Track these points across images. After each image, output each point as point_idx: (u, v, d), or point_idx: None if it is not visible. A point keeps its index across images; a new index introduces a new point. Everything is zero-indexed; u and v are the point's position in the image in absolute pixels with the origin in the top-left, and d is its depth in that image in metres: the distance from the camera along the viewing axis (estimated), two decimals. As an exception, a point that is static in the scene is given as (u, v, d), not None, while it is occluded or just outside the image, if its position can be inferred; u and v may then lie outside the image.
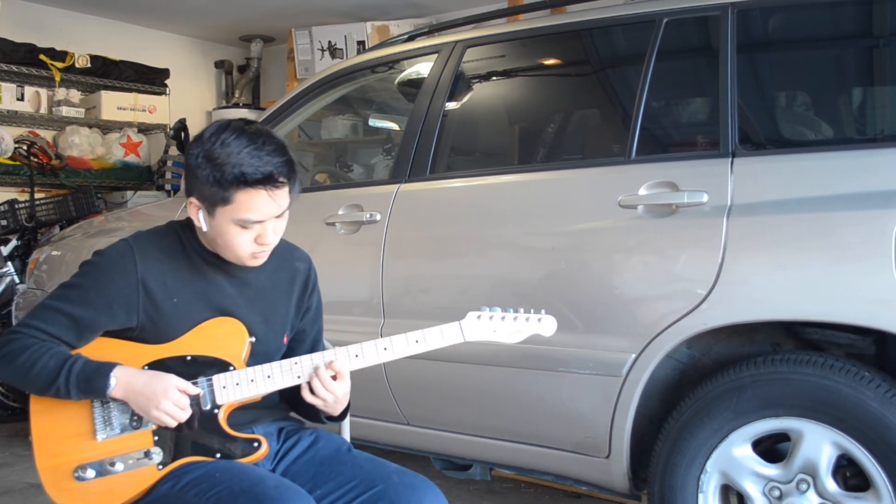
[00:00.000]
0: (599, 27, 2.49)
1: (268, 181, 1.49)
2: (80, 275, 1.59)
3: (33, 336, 1.53)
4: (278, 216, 1.55)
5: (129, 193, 5.57)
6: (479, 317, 1.63)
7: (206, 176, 1.50)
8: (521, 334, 1.65)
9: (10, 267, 4.44)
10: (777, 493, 1.94)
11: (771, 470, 1.95)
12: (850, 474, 1.90)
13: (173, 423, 1.52)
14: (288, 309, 1.73)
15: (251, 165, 1.48)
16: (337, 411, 1.67)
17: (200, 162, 1.51)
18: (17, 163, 5.06)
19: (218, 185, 1.49)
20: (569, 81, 2.90)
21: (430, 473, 2.97)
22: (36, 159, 5.09)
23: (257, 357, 1.62)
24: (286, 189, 1.54)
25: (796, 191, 1.94)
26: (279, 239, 1.60)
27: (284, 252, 1.70)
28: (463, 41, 2.69)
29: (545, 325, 1.66)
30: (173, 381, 1.52)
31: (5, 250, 4.56)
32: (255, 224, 1.53)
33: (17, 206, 4.81)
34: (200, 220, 1.56)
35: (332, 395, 1.59)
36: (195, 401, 1.55)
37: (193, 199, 1.56)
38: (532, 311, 1.65)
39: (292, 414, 1.79)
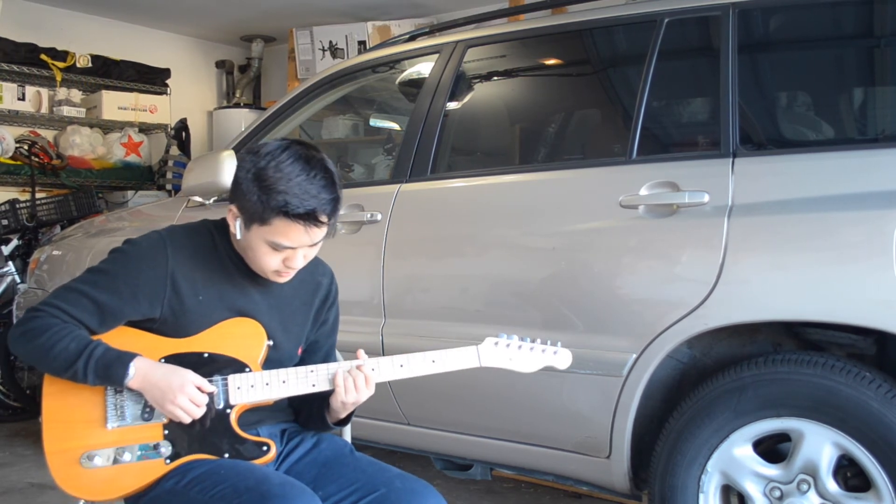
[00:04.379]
0: (600, 27, 2.49)
1: (309, 218, 1.50)
2: (109, 261, 1.60)
3: (56, 316, 1.53)
4: (311, 245, 1.57)
5: (130, 193, 5.57)
6: (496, 343, 1.65)
7: (250, 193, 1.51)
8: (536, 365, 1.68)
9: (11, 266, 4.44)
10: (778, 493, 1.94)
11: (772, 470, 1.95)
12: (850, 474, 1.90)
13: (187, 419, 1.53)
14: (305, 320, 1.74)
15: (297, 197, 1.48)
16: (343, 415, 1.69)
17: (250, 178, 1.52)
18: (19, 162, 5.06)
19: (260, 205, 1.50)
20: (570, 81, 2.90)
21: (431, 473, 2.97)
22: (37, 159, 5.09)
23: (271, 364, 1.63)
24: (325, 227, 1.54)
25: (797, 191, 1.94)
26: (307, 262, 1.61)
27: (310, 266, 1.69)
28: (464, 41, 2.69)
29: (560, 358, 1.69)
30: (190, 377, 1.53)
31: (6, 250, 4.55)
32: (286, 249, 1.54)
33: (18, 206, 4.81)
34: (236, 227, 1.57)
35: (356, 397, 1.61)
36: (209, 399, 1.55)
37: (234, 208, 1.57)
38: (549, 342, 1.69)
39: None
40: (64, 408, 1.56)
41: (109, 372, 1.51)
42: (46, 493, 3.10)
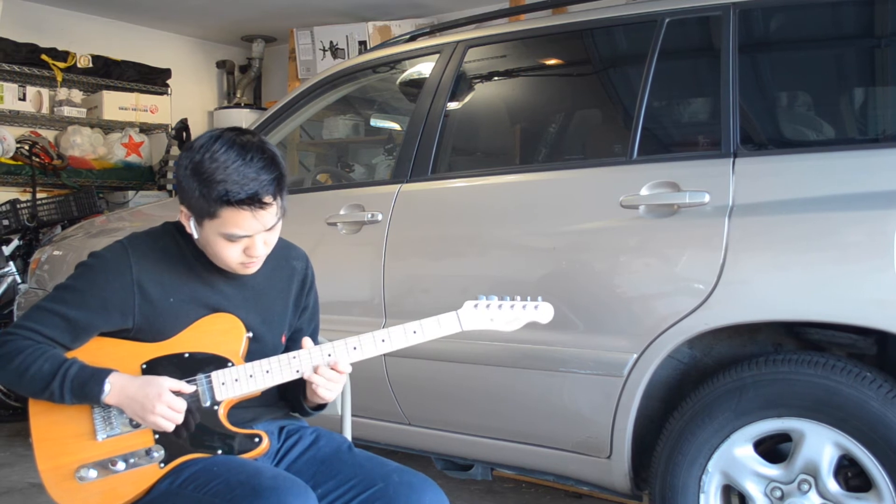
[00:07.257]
0: (601, 27, 2.49)
1: (252, 202, 1.48)
2: (75, 276, 1.60)
3: (28, 338, 1.53)
4: (268, 230, 1.55)
5: (130, 193, 5.58)
6: (475, 305, 1.63)
7: (192, 189, 1.50)
8: (519, 322, 1.65)
9: (11, 267, 4.44)
10: (779, 493, 1.94)
11: (772, 470, 1.95)
12: (851, 475, 1.90)
13: (170, 427, 1.52)
14: (285, 309, 1.73)
15: (236, 184, 1.47)
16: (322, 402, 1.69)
17: (188, 174, 1.51)
18: (19, 163, 5.07)
19: (204, 199, 1.49)
20: (570, 81, 2.90)
21: (432, 473, 2.96)
22: (38, 159, 5.10)
23: (255, 357, 1.62)
24: (273, 208, 1.52)
25: (798, 191, 1.94)
26: (271, 249, 1.60)
27: (282, 251, 1.69)
28: (464, 41, 2.69)
29: (542, 312, 1.66)
30: (166, 384, 1.52)
31: (7, 250, 4.56)
32: (242, 238, 1.53)
33: (18, 206, 4.82)
34: (191, 228, 1.57)
35: (336, 391, 1.61)
36: (194, 398, 1.55)
37: (183, 209, 1.56)
38: (529, 298, 1.65)
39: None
40: (52, 424, 1.55)
41: (85, 390, 1.50)
42: (46, 494, 3.10)
